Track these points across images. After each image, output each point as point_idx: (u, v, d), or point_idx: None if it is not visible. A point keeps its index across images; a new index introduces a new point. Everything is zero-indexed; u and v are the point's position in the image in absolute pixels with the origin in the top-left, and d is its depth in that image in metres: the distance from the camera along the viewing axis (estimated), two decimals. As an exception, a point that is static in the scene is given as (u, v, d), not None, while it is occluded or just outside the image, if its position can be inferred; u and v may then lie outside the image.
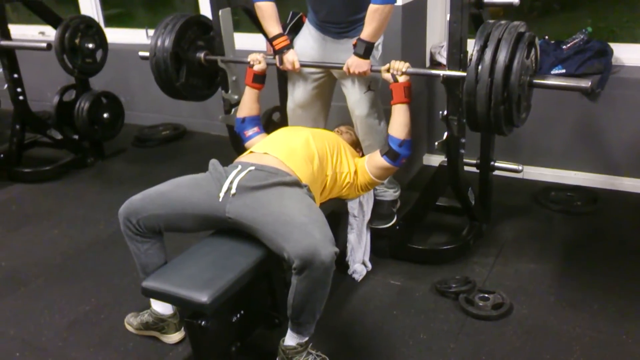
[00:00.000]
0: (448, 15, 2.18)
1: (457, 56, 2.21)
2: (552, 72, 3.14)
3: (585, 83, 1.96)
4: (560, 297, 2.40)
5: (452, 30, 2.17)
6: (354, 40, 2.41)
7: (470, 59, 1.97)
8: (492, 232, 2.89)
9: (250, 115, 2.60)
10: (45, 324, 2.43)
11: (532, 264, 2.62)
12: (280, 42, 2.52)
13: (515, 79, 1.90)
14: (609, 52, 3.11)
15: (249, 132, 2.59)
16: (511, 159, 2.79)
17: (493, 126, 2.01)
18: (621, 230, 2.87)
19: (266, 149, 2.26)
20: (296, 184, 2.09)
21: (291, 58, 2.52)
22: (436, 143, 2.44)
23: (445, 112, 2.34)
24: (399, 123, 2.34)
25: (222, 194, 2.03)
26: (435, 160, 3.54)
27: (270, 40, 2.57)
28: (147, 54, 2.75)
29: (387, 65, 2.32)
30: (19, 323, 2.45)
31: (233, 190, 2.03)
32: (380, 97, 2.59)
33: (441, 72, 2.27)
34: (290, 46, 2.55)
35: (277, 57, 2.57)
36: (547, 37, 3.28)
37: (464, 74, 2.03)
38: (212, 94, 3.00)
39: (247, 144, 2.58)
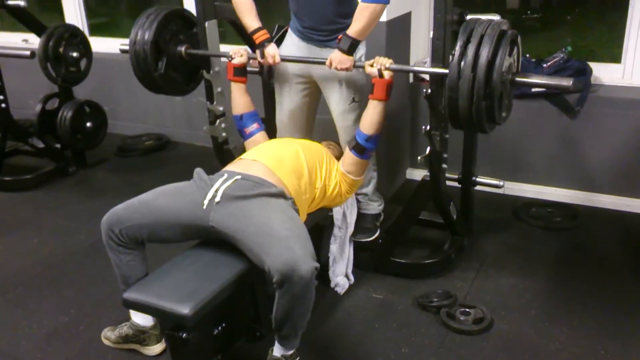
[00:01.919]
0: (431, 33, 2.21)
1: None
2: (533, 89, 3.19)
3: (567, 82, 1.96)
4: (540, 311, 2.42)
5: (435, 47, 2.21)
6: (339, 36, 2.37)
7: (453, 54, 1.97)
8: (474, 246, 2.91)
9: (247, 112, 2.58)
10: (23, 334, 2.40)
11: (512, 278, 2.65)
12: (261, 36, 2.51)
13: (498, 75, 1.90)
14: (588, 71, 3.18)
15: (249, 129, 2.57)
16: (492, 175, 2.82)
17: (475, 122, 2.00)
18: (600, 246, 2.91)
19: (255, 157, 2.26)
20: (281, 195, 2.09)
21: (272, 52, 2.49)
22: (419, 157, 2.46)
23: (428, 127, 2.36)
24: (372, 120, 2.32)
25: (206, 202, 2.02)
26: (418, 174, 3.56)
27: (250, 35, 2.55)
28: (126, 47, 2.71)
29: (371, 61, 2.30)
30: (-5, 334, 2.42)
31: (217, 199, 2.02)
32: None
33: (423, 69, 2.30)
34: (270, 40, 2.54)
35: (257, 51, 2.54)
36: (527, 55, 3.34)
37: (447, 70, 2.04)
38: (191, 90, 2.96)
39: (247, 142, 2.58)
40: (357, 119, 2.56)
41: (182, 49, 2.75)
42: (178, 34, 2.75)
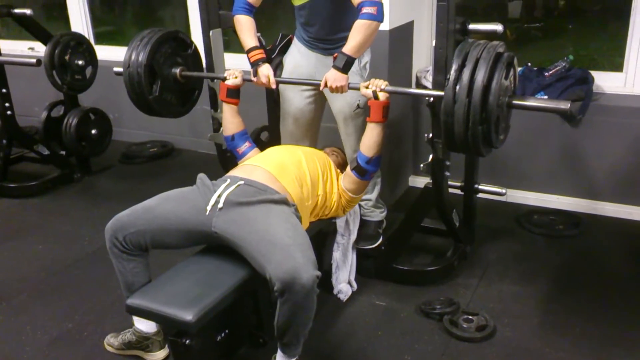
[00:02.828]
0: (434, 41, 2.23)
1: (442, 81, 2.25)
2: (535, 98, 3.21)
3: (564, 104, 1.93)
4: (543, 319, 2.42)
5: (438, 56, 2.22)
6: (335, 54, 2.35)
7: (448, 79, 1.95)
8: (476, 254, 2.92)
9: (238, 131, 2.55)
10: (27, 340, 2.41)
11: (515, 286, 2.65)
12: (255, 55, 2.49)
13: (494, 99, 1.88)
14: (590, 80, 3.19)
15: (242, 149, 2.52)
16: (495, 182, 2.83)
17: (471, 147, 1.98)
18: (602, 255, 2.91)
19: (258, 162, 2.27)
20: (284, 202, 2.10)
21: (266, 72, 2.47)
22: (421, 165, 2.48)
23: (430, 135, 2.37)
24: (372, 142, 2.30)
25: (209, 208, 2.04)
26: (421, 182, 3.57)
27: (246, 53, 2.53)
28: (121, 69, 2.69)
29: (367, 82, 2.29)
30: (0, 339, 2.42)
31: (220, 204, 2.03)
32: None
33: (419, 91, 2.29)
34: (265, 60, 2.52)
35: (252, 69, 2.52)
36: (529, 64, 3.36)
37: (442, 93, 2.01)
38: (186, 112, 2.93)
39: (241, 162, 2.58)
40: (362, 125, 2.56)
41: (177, 71, 2.72)
42: (172, 56, 2.73)
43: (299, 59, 2.63)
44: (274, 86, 2.49)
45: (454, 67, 1.92)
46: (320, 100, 2.72)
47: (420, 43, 3.50)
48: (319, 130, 2.87)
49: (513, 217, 3.26)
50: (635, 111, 3.08)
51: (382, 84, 2.25)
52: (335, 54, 2.32)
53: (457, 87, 1.89)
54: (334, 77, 2.31)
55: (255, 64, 2.49)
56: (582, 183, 3.30)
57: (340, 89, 2.33)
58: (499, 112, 1.92)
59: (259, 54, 2.49)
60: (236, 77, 2.52)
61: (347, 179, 2.40)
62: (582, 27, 3.72)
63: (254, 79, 2.52)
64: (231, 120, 2.53)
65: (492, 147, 2.03)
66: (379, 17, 2.27)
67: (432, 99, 2.33)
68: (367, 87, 2.27)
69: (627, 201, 3.21)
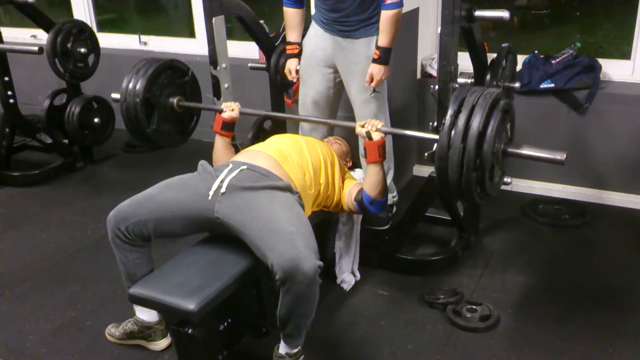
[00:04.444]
0: (439, 28, 2.20)
1: (447, 68, 2.23)
2: (541, 86, 3.18)
3: (561, 155, 1.90)
4: (548, 309, 2.41)
5: (443, 43, 2.20)
6: (360, 42, 2.56)
7: (444, 124, 1.91)
8: (480, 243, 2.90)
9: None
10: (30, 329, 2.41)
11: (519, 276, 2.64)
12: (289, 49, 2.77)
13: (489, 146, 1.84)
14: (597, 68, 3.15)
15: None
16: (504, 171, 2.80)
17: (465, 193, 1.93)
18: (608, 244, 2.89)
19: (261, 148, 2.25)
20: (288, 189, 2.08)
21: (288, 66, 2.76)
22: (426, 154, 2.45)
23: (435, 124, 2.35)
24: (373, 181, 2.23)
25: (211, 193, 2.02)
26: (425, 171, 3.55)
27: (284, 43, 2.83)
28: (118, 95, 2.63)
29: (362, 122, 2.24)
30: (3, 328, 2.43)
31: (223, 189, 2.01)
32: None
33: (415, 133, 2.31)
34: (298, 55, 2.75)
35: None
36: (536, 51, 3.32)
37: (437, 136, 1.97)
38: (184, 140, 2.88)
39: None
40: (378, 110, 2.63)
41: (174, 101, 2.67)
42: (169, 86, 2.68)
43: (317, 41, 2.69)
44: (292, 79, 2.78)
45: (450, 112, 1.89)
46: (339, 85, 2.76)
47: (425, 30, 3.47)
48: (336, 115, 2.90)
49: (518, 207, 3.24)
50: (642, 99, 3.05)
51: (377, 124, 2.21)
52: (377, 51, 2.48)
53: (452, 133, 1.86)
54: (378, 70, 2.49)
55: (287, 57, 2.80)
56: (588, 172, 3.27)
57: (383, 80, 2.54)
58: (494, 159, 1.89)
59: (291, 49, 2.76)
60: (233, 110, 2.46)
61: (349, 201, 2.34)
62: (589, 14, 3.68)
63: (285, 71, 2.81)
64: (223, 152, 2.47)
65: (486, 194, 1.98)
66: (401, 3, 2.43)
67: (437, 87, 2.31)
68: (362, 127, 2.22)
69: (634, 191, 3.19)
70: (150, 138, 2.67)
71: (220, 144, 2.47)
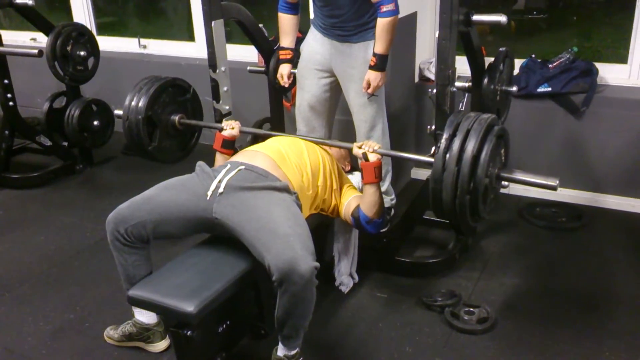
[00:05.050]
0: (437, 32, 2.21)
1: (445, 72, 2.24)
2: (539, 90, 3.19)
3: (553, 181, 1.93)
4: (545, 312, 2.42)
5: (441, 47, 2.20)
6: (357, 46, 2.58)
7: (439, 147, 1.94)
8: (478, 246, 2.91)
9: None
10: (29, 331, 2.42)
11: (517, 278, 2.65)
12: (282, 55, 2.80)
13: (483, 170, 1.87)
14: (594, 72, 3.17)
15: None
16: (498, 195, 2.81)
17: (458, 215, 1.96)
18: (605, 247, 2.90)
19: (259, 148, 2.27)
20: (286, 189, 2.09)
21: (281, 71, 2.78)
22: (424, 157, 2.46)
23: (433, 127, 2.36)
24: (369, 202, 2.23)
25: (210, 193, 2.03)
26: (423, 174, 3.56)
27: (276, 49, 2.86)
28: (121, 112, 2.66)
29: (360, 143, 2.25)
30: (2, 329, 2.43)
31: (221, 189, 2.02)
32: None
33: (410, 156, 2.34)
34: (290, 60, 2.78)
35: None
36: (533, 55, 3.34)
37: (432, 159, 2.00)
38: (185, 156, 2.89)
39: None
40: (376, 113, 2.65)
41: (176, 118, 2.69)
42: (170, 104, 2.70)
43: (315, 46, 2.71)
44: (283, 84, 2.82)
45: (445, 136, 1.93)
46: (336, 89, 2.78)
47: (423, 34, 3.49)
48: (333, 119, 2.91)
49: (515, 210, 3.26)
50: (639, 103, 3.06)
51: (374, 145, 2.21)
52: (373, 58, 2.50)
53: (447, 156, 1.90)
54: (375, 77, 2.52)
55: (279, 62, 2.82)
56: (585, 175, 3.29)
57: (380, 86, 2.57)
58: (488, 183, 1.92)
59: (284, 54, 2.79)
60: (233, 128, 2.47)
61: (346, 214, 2.34)
62: (586, 19, 3.70)
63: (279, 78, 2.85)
64: None
65: (479, 217, 2.00)
66: (397, 11, 2.44)
67: (434, 90, 2.33)
68: (359, 147, 2.22)
69: (630, 194, 3.20)
70: (151, 155, 2.70)
71: (220, 161, 2.45)
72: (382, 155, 2.23)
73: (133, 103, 2.60)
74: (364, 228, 2.29)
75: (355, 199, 2.34)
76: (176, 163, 2.87)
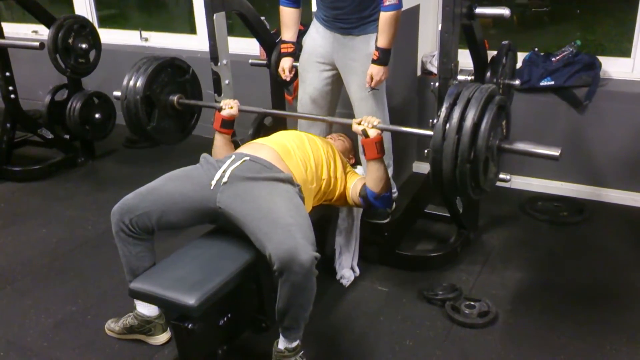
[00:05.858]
0: (439, 26, 2.21)
1: (447, 66, 2.23)
2: (541, 83, 3.18)
3: (555, 151, 1.91)
4: (546, 306, 2.42)
5: (444, 40, 2.20)
6: (359, 39, 2.57)
7: (439, 116, 1.92)
8: (479, 240, 2.91)
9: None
10: (30, 323, 2.42)
11: (518, 272, 2.65)
12: (283, 48, 2.79)
13: (483, 139, 1.84)
14: (597, 65, 3.16)
15: None
16: (499, 169, 2.81)
17: (458, 185, 1.93)
18: (606, 242, 2.90)
19: (264, 141, 2.28)
20: (289, 181, 2.10)
21: (282, 64, 2.79)
22: (425, 151, 2.45)
23: (435, 121, 2.35)
24: (375, 178, 2.24)
25: (214, 182, 2.04)
26: (425, 167, 3.56)
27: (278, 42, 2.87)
28: (119, 93, 2.65)
29: (359, 119, 2.23)
30: (4, 322, 2.44)
31: (225, 179, 2.04)
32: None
33: (410, 130, 2.33)
34: (292, 54, 2.78)
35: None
36: (536, 49, 3.32)
37: (431, 132, 1.97)
38: (185, 137, 2.88)
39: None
40: (376, 106, 2.64)
41: (174, 98, 2.69)
42: (169, 84, 2.68)
43: (317, 38, 2.71)
44: (285, 78, 2.81)
45: (445, 105, 1.90)
46: (338, 82, 2.78)
47: (426, 27, 3.47)
48: (335, 112, 2.91)
49: (517, 204, 3.25)
50: (642, 97, 3.05)
51: (373, 120, 2.20)
52: (376, 52, 2.50)
53: (447, 125, 1.87)
54: (377, 71, 2.52)
55: (281, 55, 2.81)
56: (587, 169, 3.28)
57: (383, 80, 2.56)
58: (488, 153, 1.89)
59: (285, 48, 2.78)
60: (232, 108, 2.47)
61: (354, 195, 2.36)
62: (590, 12, 3.68)
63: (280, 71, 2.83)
64: (222, 149, 2.48)
65: (480, 188, 1.98)
66: (400, 4, 2.44)
67: (437, 84, 2.32)
68: (359, 124, 2.21)
69: (632, 188, 3.19)
70: (150, 135, 2.68)
71: (220, 141, 2.49)
72: (382, 130, 2.23)
73: (131, 83, 2.59)
74: (374, 205, 2.32)
75: (360, 180, 2.37)
76: (175, 144, 2.89)
